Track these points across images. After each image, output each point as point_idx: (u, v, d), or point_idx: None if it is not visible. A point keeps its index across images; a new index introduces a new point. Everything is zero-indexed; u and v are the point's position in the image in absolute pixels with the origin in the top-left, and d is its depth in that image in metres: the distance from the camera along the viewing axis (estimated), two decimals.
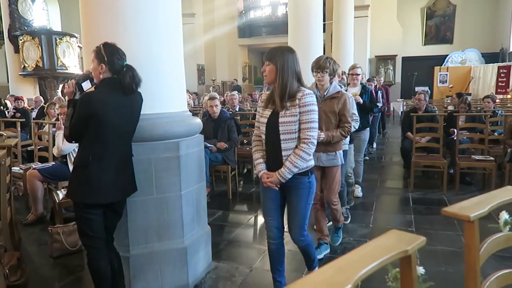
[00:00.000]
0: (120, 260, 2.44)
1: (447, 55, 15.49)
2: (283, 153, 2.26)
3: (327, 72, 3.03)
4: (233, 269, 3.06)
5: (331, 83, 3.09)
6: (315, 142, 2.25)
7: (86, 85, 2.31)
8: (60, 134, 3.74)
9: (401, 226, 3.89)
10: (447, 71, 14.18)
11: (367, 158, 6.85)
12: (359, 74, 4.69)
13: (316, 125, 2.26)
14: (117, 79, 2.23)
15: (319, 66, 3.03)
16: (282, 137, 2.26)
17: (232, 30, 18.84)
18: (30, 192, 4.10)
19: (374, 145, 8.05)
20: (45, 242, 3.49)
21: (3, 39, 10.58)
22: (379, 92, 6.93)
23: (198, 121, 2.95)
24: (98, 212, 2.27)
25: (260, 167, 2.38)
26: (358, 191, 4.87)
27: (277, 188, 2.32)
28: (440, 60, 15.31)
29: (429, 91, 14.05)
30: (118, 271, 2.42)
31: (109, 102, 2.21)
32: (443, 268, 2.97)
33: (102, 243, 2.32)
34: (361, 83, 4.75)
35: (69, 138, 2.27)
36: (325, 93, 3.10)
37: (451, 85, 13.66)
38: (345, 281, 0.79)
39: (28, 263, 3.11)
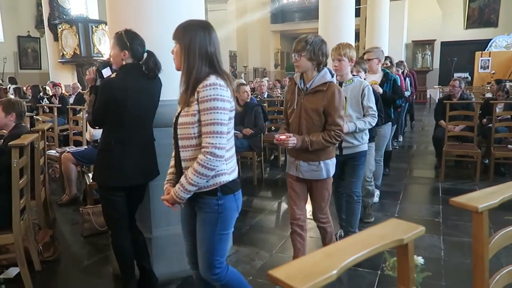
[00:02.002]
0: (144, 238, 2.54)
1: (491, 39, 14.66)
2: (182, 164, 1.78)
3: (304, 55, 2.27)
4: (253, 253, 3.11)
5: (319, 70, 2.32)
6: (220, 152, 1.67)
7: (106, 72, 2.39)
8: None
9: (428, 216, 3.81)
10: (490, 56, 13.45)
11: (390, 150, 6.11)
12: (371, 59, 4.03)
13: (222, 128, 1.67)
14: (138, 65, 2.29)
15: (294, 47, 2.32)
16: (180, 143, 1.77)
17: (265, 15, 18.68)
18: (65, 174, 4.32)
19: (400, 138, 7.41)
20: (77, 222, 3.69)
21: (44, 28, 11.05)
22: (407, 79, 6.50)
23: None
24: (121, 194, 2.36)
25: (167, 178, 1.95)
26: (375, 195, 4.11)
27: (176, 209, 1.84)
28: (482, 44, 14.52)
29: (469, 78, 13.46)
30: (143, 249, 2.52)
31: (129, 88, 2.27)
32: (468, 260, 2.88)
33: (125, 224, 2.42)
34: (383, 69, 4.18)
35: (92, 123, 2.37)
36: (307, 85, 2.36)
37: (493, 71, 12.96)
38: (330, 267, 0.79)
39: (60, 241, 3.30)
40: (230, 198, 1.79)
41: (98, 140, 4.11)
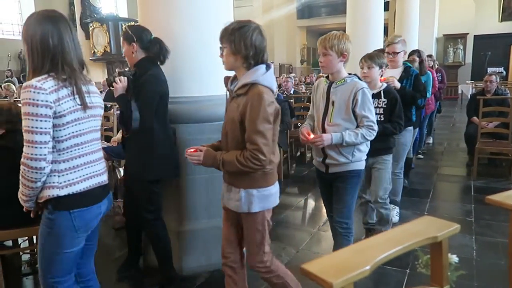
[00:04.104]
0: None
1: None
2: None
3: (225, 48, 1.79)
4: (279, 249, 3.12)
5: (246, 67, 1.78)
6: (34, 164, 1.48)
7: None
8: None
9: (459, 215, 3.70)
10: None
11: (422, 156, 5.85)
12: (398, 52, 3.41)
13: (35, 137, 1.46)
14: (152, 58, 2.38)
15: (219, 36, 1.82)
16: None
17: (291, 11, 18.58)
18: None
19: (430, 140, 6.90)
20: (109, 215, 3.80)
21: (76, 27, 11.39)
22: (437, 75, 6.09)
23: None
24: (159, 186, 2.51)
25: None
26: (394, 214, 3.53)
27: (33, 216, 1.73)
28: None
29: (504, 72, 12.96)
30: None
31: (165, 79, 2.39)
32: (503, 261, 2.79)
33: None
34: (404, 63, 3.55)
35: (143, 127, 2.32)
36: (231, 87, 1.86)
37: None
38: (363, 262, 0.79)
39: None
40: (63, 215, 1.58)
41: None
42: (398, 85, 3.23)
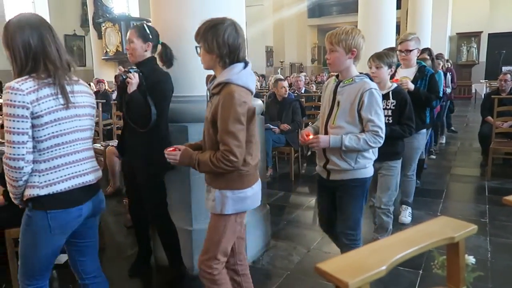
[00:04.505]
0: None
1: None
2: None
3: (200, 47, 1.75)
4: (290, 248, 3.12)
5: (222, 66, 1.74)
6: (12, 163, 1.51)
7: None
8: None
9: (473, 216, 3.65)
10: None
11: (434, 157, 5.79)
12: (411, 50, 3.26)
13: (12, 137, 1.49)
14: (155, 58, 2.46)
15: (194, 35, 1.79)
16: None
17: (302, 10, 18.55)
18: (109, 167, 4.50)
19: (443, 140, 6.82)
20: (121, 213, 3.84)
21: (88, 27, 11.51)
22: (448, 75, 5.95)
23: (258, 102, 3.00)
24: (163, 178, 2.57)
25: None
26: (406, 214, 3.51)
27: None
28: None
29: None
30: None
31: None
32: None
33: None
34: (418, 62, 3.38)
35: (153, 122, 2.38)
36: (208, 87, 1.83)
37: None
38: (379, 263, 0.78)
39: (105, 231, 3.45)
40: (40, 214, 1.59)
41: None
42: (412, 87, 3.10)
